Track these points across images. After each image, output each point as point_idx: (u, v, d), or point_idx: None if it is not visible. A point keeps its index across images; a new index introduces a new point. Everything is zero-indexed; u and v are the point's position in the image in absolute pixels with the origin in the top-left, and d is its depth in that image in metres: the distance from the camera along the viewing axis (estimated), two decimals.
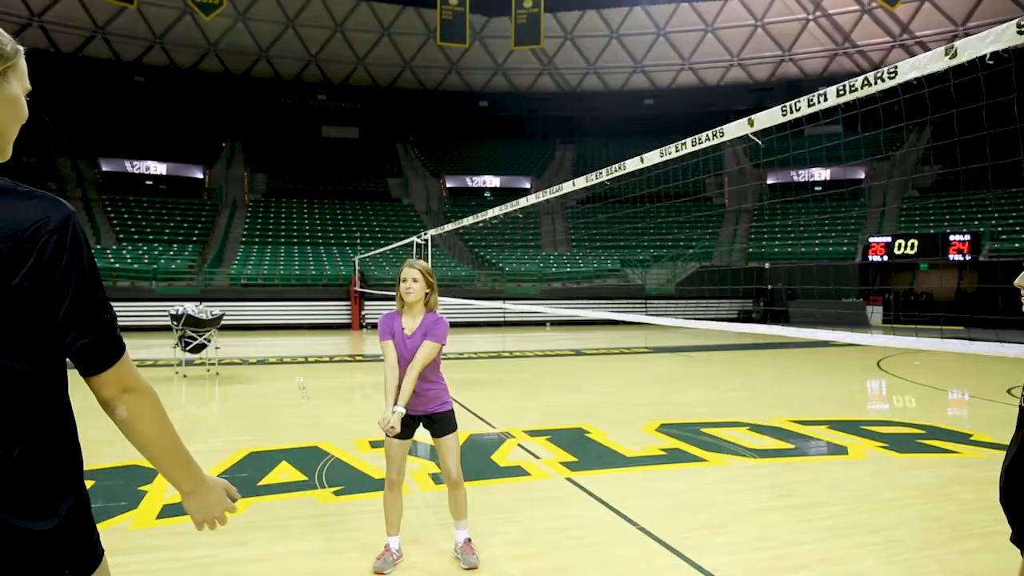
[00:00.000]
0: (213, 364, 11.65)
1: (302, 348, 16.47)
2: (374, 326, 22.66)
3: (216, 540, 3.89)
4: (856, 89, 3.33)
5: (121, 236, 27.48)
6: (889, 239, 23.98)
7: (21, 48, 1.33)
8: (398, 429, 3.45)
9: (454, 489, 3.66)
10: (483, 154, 40.26)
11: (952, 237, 22.78)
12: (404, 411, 3.47)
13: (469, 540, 3.68)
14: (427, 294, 3.61)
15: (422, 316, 3.60)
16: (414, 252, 12.24)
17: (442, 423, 3.66)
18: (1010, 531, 2.13)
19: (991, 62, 2.66)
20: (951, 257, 22.62)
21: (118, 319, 1.33)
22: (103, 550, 1.35)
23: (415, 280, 3.56)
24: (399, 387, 3.51)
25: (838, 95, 3.43)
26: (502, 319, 24.75)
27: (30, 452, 1.22)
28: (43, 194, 1.25)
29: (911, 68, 3.03)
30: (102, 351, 1.29)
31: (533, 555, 3.78)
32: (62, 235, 1.22)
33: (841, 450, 6.16)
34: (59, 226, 1.22)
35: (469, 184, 37.63)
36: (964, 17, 34.08)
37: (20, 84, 1.33)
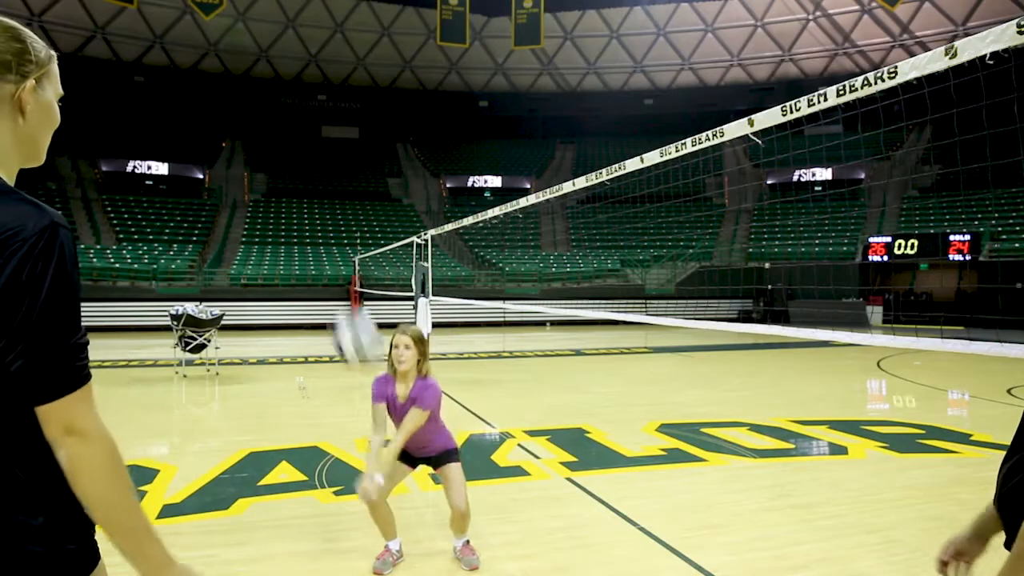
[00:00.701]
0: (213, 364, 11.65)
1: (302, 348, 16.45)
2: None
3: (216, 540, 3.90)
4: (856, 89, 3.33)
5: (121, 236, 27.50)
6: (889, 239, 23.97)
7: (54, 53, 1.32)
8: (376, 499, 3.45)
9: (460, 519, 3.62)
10: (483, 154, 40.25)
11: (952, 237, 22.77)
12: (383, 481, 3.44)
13: (468, 542, 3.69)
14: (419, 361, 3.59)
15: (413, 382, 3.60)
16: (414, 252, 12.23)
17: (441, 457, 3.68)
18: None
19: (991, 62, 2.66)
20: (951, 257, 22.62)
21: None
22: (98, 556, 1.28)
23: (407, 347, 3.54)
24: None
25: (838, 95, 3.43)
26: (502, 319, 24.74)
27: None
28: (30, 200, 1.18)
29: (911, 68, 3.03)
30: (42, 379, 1.10)
31: (533, 555, 3.78)
32: (32, 246, 1.11)
33: (841, 450, 6.17)
34: (31, 236, 1.12)
35: (469, 184, 37.62)
36: (964, 17, 34.07)
37: (53, 89, 1.31)
